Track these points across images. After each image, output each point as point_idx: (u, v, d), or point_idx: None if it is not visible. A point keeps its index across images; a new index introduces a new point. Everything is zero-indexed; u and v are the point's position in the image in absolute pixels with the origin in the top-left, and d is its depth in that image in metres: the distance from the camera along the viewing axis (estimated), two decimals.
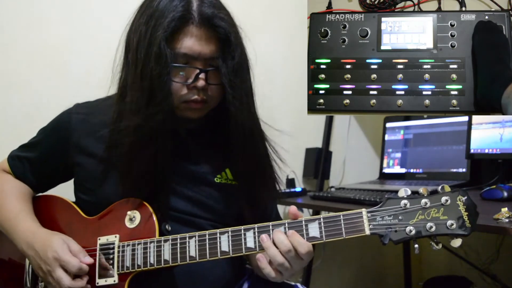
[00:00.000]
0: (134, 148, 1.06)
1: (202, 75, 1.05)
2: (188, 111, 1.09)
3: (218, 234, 1.02)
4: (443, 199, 0.94)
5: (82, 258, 1.05)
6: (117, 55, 1.12)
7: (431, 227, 0.94)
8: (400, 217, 0.95)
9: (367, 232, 0.96)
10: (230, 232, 1.02)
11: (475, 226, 0.93)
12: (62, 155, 1.17)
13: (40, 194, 1.27)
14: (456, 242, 0.94)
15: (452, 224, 0.93)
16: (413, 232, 0.94)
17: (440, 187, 0.97)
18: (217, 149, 1.16)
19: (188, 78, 1.06)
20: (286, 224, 1.00)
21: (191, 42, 1.04)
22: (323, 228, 0.98)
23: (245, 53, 1.11)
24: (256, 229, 1.01)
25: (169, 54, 1.02)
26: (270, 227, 1.00)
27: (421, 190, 0.96)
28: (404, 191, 0.97)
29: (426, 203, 0.95)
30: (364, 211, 0.97)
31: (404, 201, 0.96)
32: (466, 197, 0.95)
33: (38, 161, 1.22)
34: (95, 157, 1.13)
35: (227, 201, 1.17)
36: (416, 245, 0.96)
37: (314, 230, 0.98)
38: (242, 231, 1.01)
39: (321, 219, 0.98)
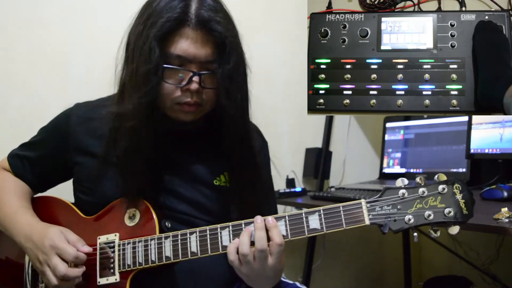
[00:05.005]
0: (130, 144, 1.06)
1: (196, 78, 1.05)
2: (181, 113, 1.09)
3: (219, 229, 1.03)
4: (440, 187, 0.96)
5: (80, 247, 1.05)
6: (119, 54, 1.12)
7: (429, 215, 0.95)
8: (398, 207, 0.97)
9: (367, 222, 0.97)
10: (231, 227, 1.02)
11: (472, 213, 0.95)
12: (61, 154, 1.18)
13: (38, 195, 1.27)
14: (454, 230, 0.95)
15: (449, 212, 0.94)
16: (412, 221, 0.96)
17: (436, 176, 0.98)
18: (217, 152, 1.16)
19: (182, 80, 1.05)
20: (287, 217, 1.00)
21: (186, 44, 1.03)
22: (323, 219, 0.98)
23: (242, 58, 1.09)
24: None
25: (158, 53, 1.01)
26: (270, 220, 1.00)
27: (418, 179, 0.98)
28: (401, 181, 0.99)
29: (423, 192, 0.96)
30: (363, 201, 0.98)
31: (402, 191, 0.97)
32: (462, 185, 0.96)
33: (38, 160, 1.22)
34: (95, 156, 1.13)
35: (225, 204, 1.16)
36: (415, 234, 0.97)
37: (314, 222, 0.99)
38: (243, 225, 1.01)
39: (321, 211, 0.99)
